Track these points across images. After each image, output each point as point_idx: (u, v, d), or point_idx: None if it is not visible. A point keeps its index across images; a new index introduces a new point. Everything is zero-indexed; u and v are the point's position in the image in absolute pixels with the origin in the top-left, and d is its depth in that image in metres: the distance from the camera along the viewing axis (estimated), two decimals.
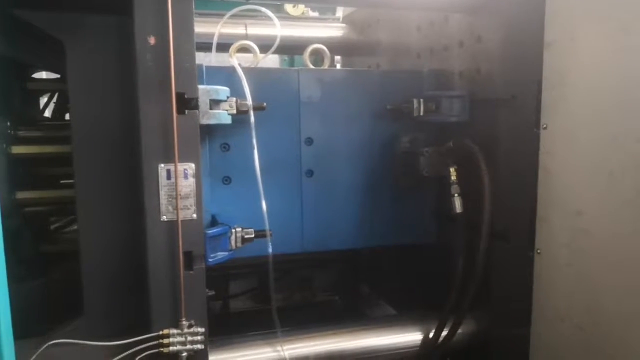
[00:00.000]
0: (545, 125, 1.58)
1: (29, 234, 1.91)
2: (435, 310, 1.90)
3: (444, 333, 1.86)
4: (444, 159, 1.90)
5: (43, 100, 2.39)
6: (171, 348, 1.46)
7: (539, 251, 1.63)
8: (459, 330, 1.85)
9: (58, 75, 2.06)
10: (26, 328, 1.38)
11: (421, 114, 1.94)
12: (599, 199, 1.43)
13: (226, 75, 1.71)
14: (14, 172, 1.77)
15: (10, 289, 1.18)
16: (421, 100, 1.93)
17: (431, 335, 1.88)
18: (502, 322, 1.83)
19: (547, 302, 1.62)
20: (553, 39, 1.54)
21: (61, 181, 2.02)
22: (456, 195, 1.84)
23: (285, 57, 4.13)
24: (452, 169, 1.85)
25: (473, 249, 1.76)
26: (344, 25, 3.04)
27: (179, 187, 1.46)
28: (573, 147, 1.51)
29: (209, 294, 1.62)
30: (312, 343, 1.80)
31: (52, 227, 2.24)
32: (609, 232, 1.42)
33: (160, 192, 1.46)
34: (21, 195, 1.79)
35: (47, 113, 2.40)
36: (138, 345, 1.45)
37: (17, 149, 1.76)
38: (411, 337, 1.90)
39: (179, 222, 1.47)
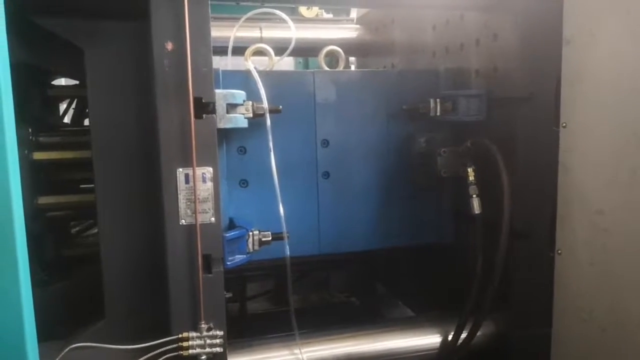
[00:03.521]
0: (564, 123, 1.55)
1: (51, 238, 1.94)
2: (454, 311, 1.88)
3: (464, 335, 1.84)
4: (461, 159, 1.88)
5: (62, 106, 2.42)
6: (190, 351, 1.47)
7: (559, 251, 1.60)
8: (479, 332, 1.83)
9: (77, 82, 2.09)
10: (49, 331, 1.41)
11: (438, 113, 1.92)
12: (621, 198, 1.41)
13: (242, 79, 1.72)
14: (35, 177, 1.80)
15: (33, 292, 1.20)
16: (438, 99, 1.92)
17: (450, 337, 1.86)
18: (523, 323, 1.80)
19: (569, 303, 1.59)
20: (572, 35, 1.51)
21: (81, 186, 2.05)
22: (474, 196, 1.82)
23: (300, 59, 4.13)
24: (470, 169, 1.83)
25: (492, 249, 1.74)
26: (358, 26, 3.03)
27: (197, 191, 1.47)
28: (593, 145, 1.48)
29: (227, 296, 1.63)
30: (330, 346, 1.79)
31: (73, 231, 2.27)
32: (631, 231, 1.39)
33: (179, 196, 1.47)
34: (43, 200, 1.82)
35: (67, 119, 2.44)
36: (158, 349, 1.46)
37: (38, 155, 1.78)
38: (430, 339, 1.88)
39: (198, 226, 1.48)
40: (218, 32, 2.01)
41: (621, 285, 1.43)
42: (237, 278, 2.69)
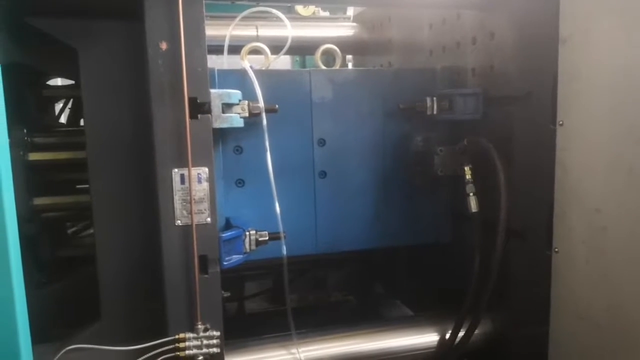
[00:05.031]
0: (561, 122, 1.55)
1: (46, 239, 1.93)
2: (451, 310, 1.88)
3: (461, 334, 1.84)
4: (458, 158, 1.87)
5: (58, 106, 2.41)
6: (187, 352, 1.47)
7: (556, 249, 1.60)
8: (476, 331, 1.83)
9: (72, 82, 2.08)
10: (45, 332, 1.40)
11: (434, 112, 1.91)
12: (618, 196, 1.41)
13: (238, 78, 1.71)
14: (31, 178, 1.79)
15: (29, 293, 1.19)
16: (434, 98, 1.91)
17: (448, 336, 1.86)
18: (520, 321, 1.80)
19: (566, 301, 1.59)
20: (568, 34, 1.51)
21: (77, 186, 2.04)
22: (471, 194, 1.81)
23: (297, 58, 4.12)
24: (466, 168, 1.83)
25: (489, 248, 1.74)
26: (355, 24, 3.02)
27: (193, 191, 1.47)
28: (590, 144, 1.48)
29: (224, 295, 1.63)
30: (327, 345, 1.79)
31: (69, 231, 2.27)
32: (628, 230, 1.39)
33: (174, 196, 1.47)
34: (38, 201, 1.81)
35: (63, 119, 2.43)
36: (154, 350, 1.46)
37: (33, 156, 1.77)
38: (428, 338, 1.88)
39: (194, 226, 1.48)
40: (214, 31, 2.01)
41: (618, 284, 1.43)
42: (235, 277, 2.69)
